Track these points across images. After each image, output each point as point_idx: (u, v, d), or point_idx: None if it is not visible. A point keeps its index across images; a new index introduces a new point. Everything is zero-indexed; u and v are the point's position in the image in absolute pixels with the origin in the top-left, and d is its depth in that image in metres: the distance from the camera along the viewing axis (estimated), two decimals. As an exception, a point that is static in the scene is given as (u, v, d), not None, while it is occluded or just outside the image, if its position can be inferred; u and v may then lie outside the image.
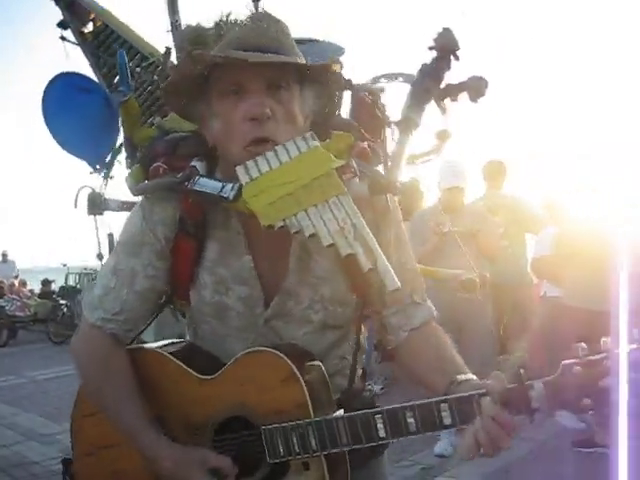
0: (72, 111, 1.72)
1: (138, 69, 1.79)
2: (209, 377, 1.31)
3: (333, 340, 1.39)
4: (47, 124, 1.74)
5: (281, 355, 1.24)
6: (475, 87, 1.57)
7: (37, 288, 14.01)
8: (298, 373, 1.22)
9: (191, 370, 1.33)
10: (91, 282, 12.63)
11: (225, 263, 1.34)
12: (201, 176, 1.29)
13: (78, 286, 13.00)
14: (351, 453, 1.26)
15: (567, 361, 1.05)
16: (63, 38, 1.80)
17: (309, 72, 1.29)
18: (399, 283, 1.16)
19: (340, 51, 1.76)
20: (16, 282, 13.74)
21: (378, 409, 1.18)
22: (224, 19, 1.31)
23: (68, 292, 12.64)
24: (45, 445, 5.27)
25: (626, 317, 1.02)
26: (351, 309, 1.39)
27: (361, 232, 1.16)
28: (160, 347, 1.43)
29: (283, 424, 1.22)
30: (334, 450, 1.19)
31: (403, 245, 1.41)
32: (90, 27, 1.79)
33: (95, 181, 2.15)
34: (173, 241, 1.35)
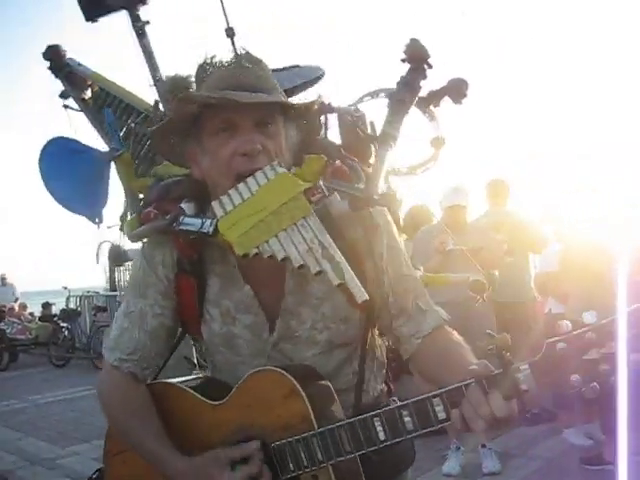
0: (66, 173, 1.81)
1: (132, 125, 1.86)
2: (220, 402, 1.36)
3: (343, 358, 1.42)
4: (47, 188, 1.82)
5: (282, 372, 1.28)
6: (455, 89, 1.59)
7: (37, 311, 13.95)
8: (299, 387, 1.25)
9: (204, 398, 1.39)
10: (92, 305, 12.60)
11: (227, 295, 1.42)
12: (186, 216, 1.37)
13: (79, 309, 12.92)
14: (371, 471, 1.28)
15: (550, 339, 1.04)
16: (66, 106, 1.88)
17: (292, 110, 1.37)
18: (367, 295, 1.20)
19: (319, 72, 1.80)
20: (16, 305, 13.69)
21: (375, 412, 1.19)
22: (208, 61, 1.38)
23: (69, 315, 12.53)
24: (49, 470, 5.23)
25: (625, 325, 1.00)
26: (356, 325, 1.41)
27: (328, 249, 1.21)
28: (178, 382, 1.48)
29: (289, 439, 1.25)
30: (340, 459, 1.21)
31: (398, 255, 1.43)
32: (89, 93, 1.87)
33: (113, 234, 2.21)
34: (175, 281, 1.44)
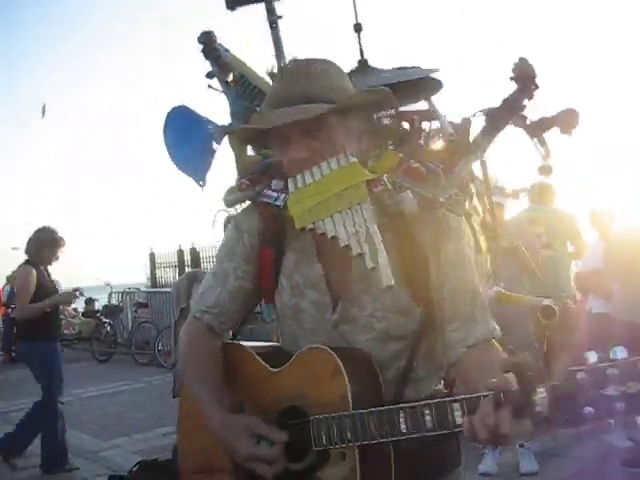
0: (183, 139, 2.04)
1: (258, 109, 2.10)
2: (278, 370, 1.49)
3: (398, 349, 1.47)
4: (167, 148, 2.07)
5: (331, 352, 1.38)
6: (566, 120, 1.58)
7: (81, 307, 14.26)
8: (343, 369, 1.34)
9: (266, 364, 1.52)
10: (133, 301, 12.84)
11: (299, 270, 1.53)
12: (269, 189, 1.52)
13: (121, 305, 13.18)
14: (417, 466, 1.35)
15: (573, 367, 1.03)
16: (210, 86, 2.10)
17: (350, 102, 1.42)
18: (393, 281, 1.28)
19: (423, 74, 1.82)
20: (61, 301, 13.99)
21: (401, 405, 1.26)
22: (269, 71, 1.54)
23: (111, 311, 12.78)
24: (92, 462, 5.37)
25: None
26: (415, 321, 1.46)
27: (372, 235, 1.31)
28: (252, 345, 1.63)
29: (326, 415, 1.34)
30: (365, 442, 1.29)
31: (464, 263, 1.44)
32: (231, 77, 2.08)
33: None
34: (257, 249, 1.58)
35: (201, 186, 2.03)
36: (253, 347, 1.62)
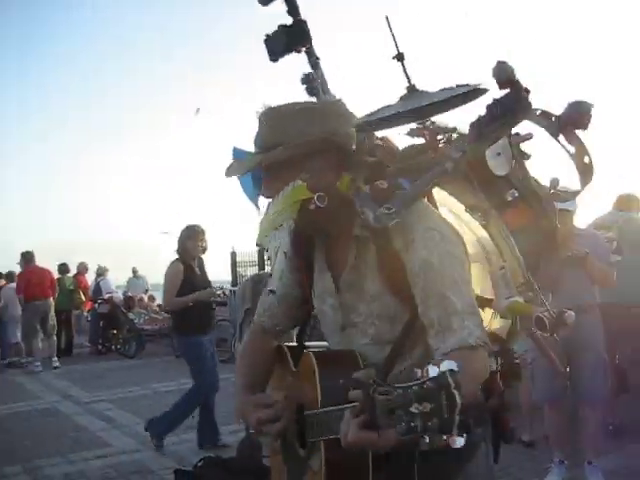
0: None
1: None
2: (295, 370, 1.73)
3: (388, 355, 1.57)
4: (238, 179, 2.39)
5: (311, 356, 1.58)
6: (574, 115, 1.51)
7: (164, 303, 14.71)
8: (317, 372, 1.52)
9: (292, 363, 1.77)
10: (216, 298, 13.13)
11: (320, 278, 1.73)
12: None
13: (201, 302, 13.49)
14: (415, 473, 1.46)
15: (398, 384, 1.05)
16: None
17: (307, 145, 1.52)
18: (275, 287, 1.70)
19: (467, 89, 1.82)
20: (145, 297, 14.59)
21: (330, 408, 1.38)
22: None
23: (191, 308, 13.15)
24: (161, 455, 5.54)
25: None
26: (403, 328, 1.55)
27: (278, 245, 1.57)
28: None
29: (307, 412, 1.54)
30: (324, 438, 1.43)
31: (434, 272, 1.47)
32: None
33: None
34: (295, 260, 1.78)
35: (258, 209, 2.20)
36: (296, 347, 1.83)
